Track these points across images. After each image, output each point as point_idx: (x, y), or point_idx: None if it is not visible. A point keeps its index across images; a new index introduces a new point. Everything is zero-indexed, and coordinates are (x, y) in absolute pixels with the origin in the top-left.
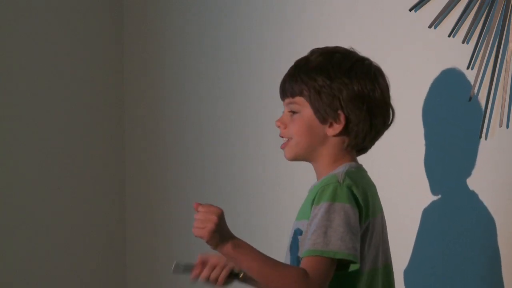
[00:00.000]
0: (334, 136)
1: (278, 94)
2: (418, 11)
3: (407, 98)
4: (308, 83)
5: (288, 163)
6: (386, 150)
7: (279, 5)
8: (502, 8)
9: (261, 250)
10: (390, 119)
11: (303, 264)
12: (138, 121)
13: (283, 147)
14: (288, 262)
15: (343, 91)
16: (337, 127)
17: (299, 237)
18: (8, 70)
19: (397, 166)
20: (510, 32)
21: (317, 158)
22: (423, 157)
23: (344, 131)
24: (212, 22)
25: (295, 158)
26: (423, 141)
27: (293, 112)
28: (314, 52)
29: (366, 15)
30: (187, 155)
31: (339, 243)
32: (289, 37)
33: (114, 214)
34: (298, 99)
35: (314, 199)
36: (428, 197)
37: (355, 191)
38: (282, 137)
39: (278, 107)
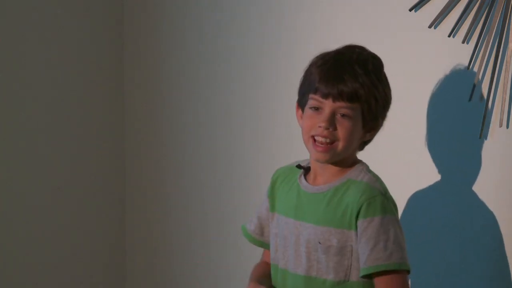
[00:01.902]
0: (367, 140)
1: (281, 92)
2: (418, 11)
3: (407, 98)
4: (371, 92)
5: (286, 162)
6: (386, 150)
7: (279, 5)
8: (502, 8)
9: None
10: None
11: (378, 283)
12: (138, 120)
13: (322, 150)
14: (301, 262)
15: (389, 101)
16: (374, 133)
17: (324, 244)
18: (7, 70)
19: (397, 166)
20: (510, 32)
21: (342, 160)
22: (423, 157)
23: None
24: (212, 22)
25: (332, 161)
26: (423, 141)
27: (343, 115)
28: (365, 52)
29: (366, 15)
30: (187, 155)
31: (400, 254)
32: (288, 37)
33: (114, 214)
34: (356, 105)
35: (359, 211)
36: (428, 197)
37: (394, 201)
38: (327, 137)
39: (277, 106)
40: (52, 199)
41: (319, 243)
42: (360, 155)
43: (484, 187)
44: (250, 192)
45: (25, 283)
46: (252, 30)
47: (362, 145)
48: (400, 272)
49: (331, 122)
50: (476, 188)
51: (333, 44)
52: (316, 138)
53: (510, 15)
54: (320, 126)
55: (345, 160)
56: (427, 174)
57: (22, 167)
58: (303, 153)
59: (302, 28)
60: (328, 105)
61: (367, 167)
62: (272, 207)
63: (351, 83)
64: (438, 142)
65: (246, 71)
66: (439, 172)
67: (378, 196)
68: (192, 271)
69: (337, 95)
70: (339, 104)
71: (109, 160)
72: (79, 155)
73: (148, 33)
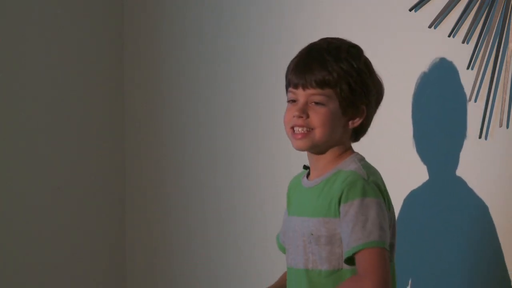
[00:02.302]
0: (354, 127)
1: (281, 92)
2: (418, 11)
3: (407, 98)
4: (343, 77)
5: (286, 162)
6: (386, 150)
7: (279, 5)
8: (502, 8)
9: (259, 247)
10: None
11: (359, 264)
12: (138, 120)
13: (301, 137)
14: (300, 255)
15: (372, 88)
16: (358, 121)
17: (315, 234)
18: (7, 70)
19: (397, 165)
20: (510, 32)
21: (327, 150)
22: (423, 157)
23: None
24: (212, 22)
25: (309, 149)
26: (422, 141)
27: (316, 103)
28: (339, 41)
29: (366, 15)
30: (187, 155)
31: (379, 233)
32: (287, 37)
33: (114, 214)
34: (328, 91)
35: (341, 197)
36: (427, 197)
37: (381, 187)
38: (301, 126)
39: (277, 106)
40: (52, 199)
41: (311, 234)
42: (363, 154)
43: (484, 187)
44: (250, 192)
45: (25, 283)
46: (252, 30)
47: (355, 135)
48: (375, 247)
49: (303, 110)
50: (476, 188)
51: None
52: (294, 128)
53: (510, 15)
54: (294, 116)
55: (333, 150)
56: (427, 174)
57: (22, 167)
58: (303, 153)
59: (302, 28)
60: (300, 94)
61: (360, 157)
62: (288, 212)
63: (319, 71)
64: (438, 142)
65: (246, 71)
66: (439, 172)
67: (359, 181)
68: (192, 271)
69: (306, 83)
70: (309, 91)
71: (109, 160)
72: (79, 155)
73: (148, 33)
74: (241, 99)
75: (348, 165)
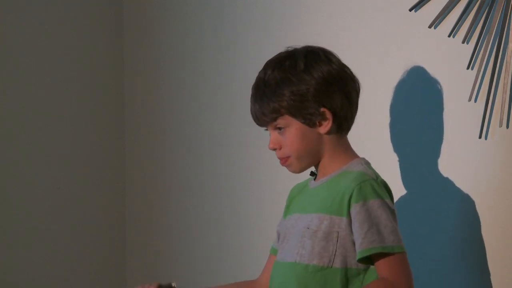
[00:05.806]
0: (327, 131)
1: None
2: (418, 11)
3: (407, 98)
4: (279, 102)
5: None
6: (385, 150)
7: (279, 4)
8: (502, 8)
9: (259, 248)
10: (357, 85)
11: (385, 269)
12: (138, 121)
13: (286, 164)
14: (297, 248)
15: (311, 88)
16: (327, 123)
17: (311, 229)
18: (7, 70)
19: (396, 165)
20: (510, 32)
21: (320, 158)
22: (423, 157)
23: (333, 121)
24: (212, 21)
25: (302, 170)
26: (422, 141)
27: (280, 128)
28: (265, 69)
29: (366, 15)
30: (187, 155)
31: (392, 237)
32: (288, 37)
33: (114, 214)
34: (280, 119)
35: (351, 197)
36: (427, 197)
37: (388, 187)
38: (280, 158)
39: None
40: (52, 199)
41: (308, 228)
42: (365, 156)
43: (484, 187)
44: (250, 192)
45: (25, 283)
46: (252, 30)
47: (338, 129)
48: (397, 253)
49: (275, 143)
50: (476, 188)
51: (332, 43)
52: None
53: (510, 15)
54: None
55: (329, 152)
56: (426, 174)
57: (22, 167)
58: None
59: (303, 27)
60: (269, 129)
61: (366, 161)
62: (285, 215)
63: (260, 107)
64: (437, 142)
65: (247, 70)
66: (439, 172)
67: (369, 181)
68: (192, 271)
69: (262, 125)
70: (269, 126)
71: (109, 160)
72: (79, 155)
73: (148, 33)
74: (241, 99)
75: (355, 167)
